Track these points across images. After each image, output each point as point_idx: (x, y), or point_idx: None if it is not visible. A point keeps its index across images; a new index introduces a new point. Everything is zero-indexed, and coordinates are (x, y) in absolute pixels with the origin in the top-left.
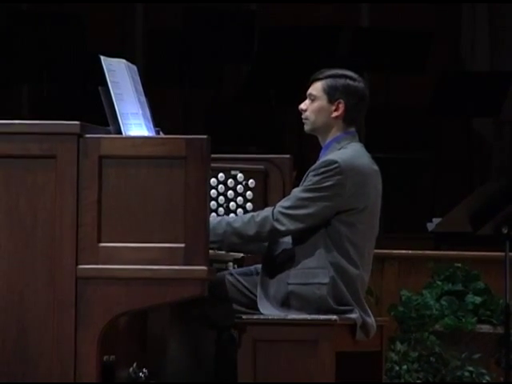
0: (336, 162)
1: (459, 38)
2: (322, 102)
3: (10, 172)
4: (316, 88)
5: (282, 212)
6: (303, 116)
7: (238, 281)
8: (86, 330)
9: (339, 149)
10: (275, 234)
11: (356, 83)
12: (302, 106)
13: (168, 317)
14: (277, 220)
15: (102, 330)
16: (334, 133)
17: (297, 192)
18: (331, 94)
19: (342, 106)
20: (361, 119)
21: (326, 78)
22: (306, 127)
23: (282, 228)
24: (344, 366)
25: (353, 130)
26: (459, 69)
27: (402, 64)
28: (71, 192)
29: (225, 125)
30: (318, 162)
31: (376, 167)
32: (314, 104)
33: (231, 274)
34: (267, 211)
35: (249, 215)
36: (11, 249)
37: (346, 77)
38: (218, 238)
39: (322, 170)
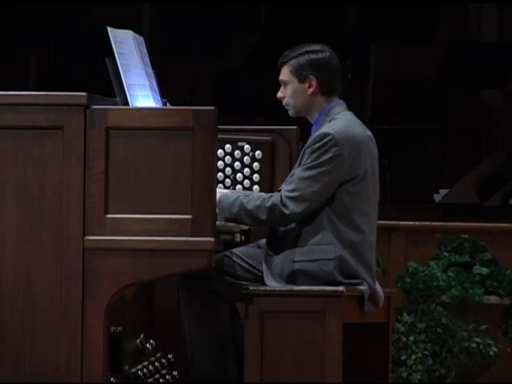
0: (329, 134)
1: (467, 7)
2: (294, 84)
3: (17, 143)
4: (284, 73)
5: (287, 196)
6: (284, 103)
7: (243, 259)
8: (93, 301)
9: (330, 120)
10: (286, 219)
11: (320, 55)
12: (279, 94)
13: (175, 288)
14: (284, 205)
15: (109, 301)
16: (318, 108)
17: (298, 173)
18: (299, 74)
19: (313, 82)
20: (339, 87)
21: (290, 59)
22: (290, 112)
23: (289, 212)
24: (351, 337)
25: (336, 99)
26: (467, 39)
27: (409, 34)
28: (78, 163)
29: (232, 96)
30: (311, 138)
31: (369, 133)
32: (287, 89)
33: (236, 254)
34: (277, 196)
35: (260, 198)
36: (18, 220)
37: (307, 52)
38: (233, 217)
39: (318, 144)
